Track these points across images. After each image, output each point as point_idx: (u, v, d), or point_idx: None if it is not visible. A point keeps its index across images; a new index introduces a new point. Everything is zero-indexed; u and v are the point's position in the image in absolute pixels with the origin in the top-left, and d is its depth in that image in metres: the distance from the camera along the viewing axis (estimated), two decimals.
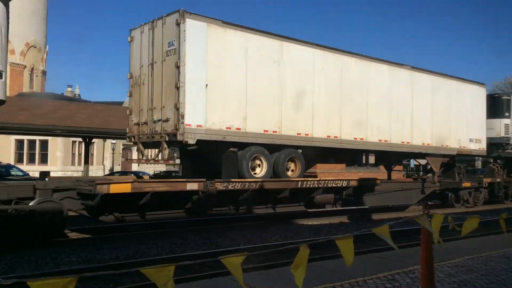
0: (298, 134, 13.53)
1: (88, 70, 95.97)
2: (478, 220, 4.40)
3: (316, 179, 13.96)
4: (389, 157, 17.77)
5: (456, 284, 5.81)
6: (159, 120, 12.08)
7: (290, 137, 13.34)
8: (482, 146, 19.51)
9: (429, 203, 19.13)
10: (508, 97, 21.76)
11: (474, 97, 19.20)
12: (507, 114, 21.25)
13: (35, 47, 43.48)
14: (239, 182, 12.31)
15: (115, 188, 10.51)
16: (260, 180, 12.67)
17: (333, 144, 14.34)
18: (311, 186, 13.69)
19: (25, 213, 9.95)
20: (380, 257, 7.52)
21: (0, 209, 9.72)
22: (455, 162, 19.30)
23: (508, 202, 21.51)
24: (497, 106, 21.07)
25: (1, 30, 9.94)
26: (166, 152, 11.97)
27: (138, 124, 12.84)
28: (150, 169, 46.19)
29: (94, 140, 34.30)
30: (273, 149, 13.30)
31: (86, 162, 27.37)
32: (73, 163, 39.68)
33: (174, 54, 11.69)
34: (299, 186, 13.41)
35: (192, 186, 11.61)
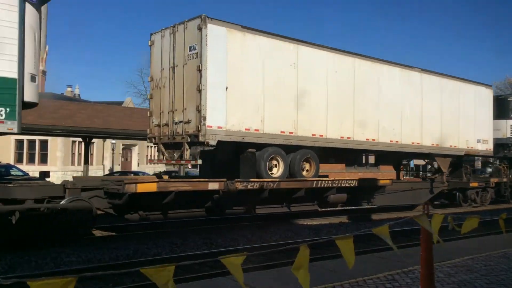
0: (313, 135, 14.30)
1: (88, 70, 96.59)
2: (478, 220, 4.50)
3: (331, 179, 14.72)
4: (398, 158, 18.60)
5: (456, 284, 5.93)
6: (180, 122, 12.80)
7: (305, 138, 14.10)
8: (489, 146, 20.40)
9: (436, 202, 20.07)
10: None
11: (481, 99, 20.09)
12: None
13: None
14: (257, 182, 13.05)
15: (142, 187, 11.23)
16: (277, 180, 13.44)
17: (346, 145, 15.14)
18: (326, 185, 14.47)
19: (57, 211, 10.67)
20: (380, 257, 7.67)
21: (34, 207, 10.44)
22: (462, 162, 20.15)
23: None
24: (503, 108, 21.97)
25: (34, 34, 10.66)
26: (188, 152, 12.70)
27: (159, 125, 13.56)
28: (150, 169, 46.90)
29: (94, 140, 34.89)
30: (289, 149, 14.07)
31: (86, 162, 27.94)
32: (73, 163, 40.23)
33: (195, 58, 12.42)
34: (314, 185, 14.18)
35: (213, 185, 12.35)
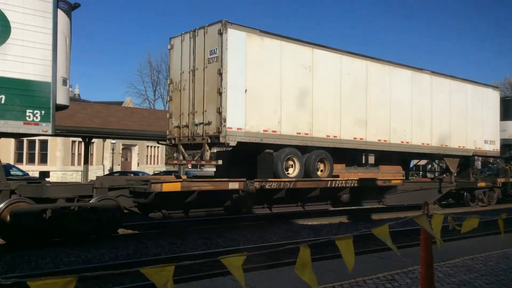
0: (327, 136, 15.11)
1: (88, 70, 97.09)
2: (478, 220, 4.58)
3: (344, 178, 15.53)
4: (408, 158, 19.46)
5: (455, 284, 6.07)
6: (200, 123, 13.57)
7: (320, 139, 14.91)
8: (496, 147, 21.32)
9: (443, 202, 20.97)
10: None
11: (489, 100, 21.03)
12: None
13: None
14: (275, 181, 13.85)
15: (167, 187, 12.01)
16: (294, 179, 14.24)
17: (359, 145, 15.97)
18: (340, 185, 15.29)
19: (87, 210, 11.43)
20: (380, 257, 7.81)
21: (65, 206, 11.18)
22: (470, 162, 21.06)
23: None
24: (509, 109, 22.92)
25: (66, 40, 11.42)
26: (208, 153, 13.47)
27: (178, 127, 14.32)
28: (150, 169, 47.70)
29: (93, 140, 35.57)
30: (304, 150, 14.87)
31: (86, 162, 28.56)
32: (72, 163, 40.87)
33: (216, 61, 13.19)
34: (328, 185, 15.00)
35: (233, 185, 13.14)
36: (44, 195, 11.00)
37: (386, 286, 5.93)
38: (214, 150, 16.14)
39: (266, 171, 14.15)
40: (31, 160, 38.80)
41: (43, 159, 39.15)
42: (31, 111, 10.44)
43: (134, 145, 48.63)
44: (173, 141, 14.66)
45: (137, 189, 12.10)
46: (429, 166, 33.65)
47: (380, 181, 16.43)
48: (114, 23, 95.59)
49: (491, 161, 24.46)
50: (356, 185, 15.74)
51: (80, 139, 34.70)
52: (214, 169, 55.50)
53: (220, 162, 13.34)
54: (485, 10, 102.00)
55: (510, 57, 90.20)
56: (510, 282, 6.25)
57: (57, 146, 38.86)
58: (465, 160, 20.71)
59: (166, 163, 55.72)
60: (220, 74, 12.97)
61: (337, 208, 17.40)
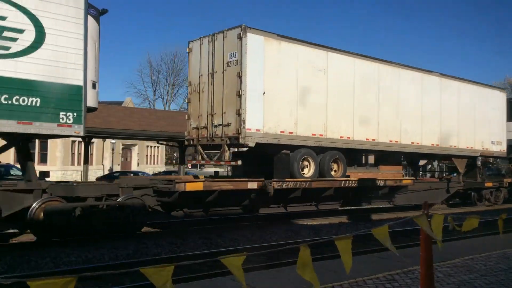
0: (341, 137, 15.96)
1: None
2: (478, 220, 4.66)
3: (356, 178, 16.39)
4: (417, 158, 20.38)
5: (455, 285, 6.21)
6: (219, 125, 14.37)
7: (334, 140, 15.76)
8: (503, 148, 22.30)
9: (450, 202, 21.90)
10: None
11: (495, 102, 22.03)
12: None
13: None
14: (292, 181, 14.69)
15: (190, 186, 12.81)
16: (309, 179, 15.09)
17: (371, 146, 16.85)
18: (353, 185, 16.15)
19: (115, 208, 12.21)
20: (379, 257, 7.97)
21: (95, 204, 11.97)
22: (477, 163, 21.99)
23: None
24: None
25: (95, 45, 12.20)
26: (227, 154, 14.28)
27: (197, 128, 15.12)
28: (149, 169, 48.44)
29: (93, 140, 36.26)
30: (319, 151, 15.71)
31: (86, 162, 29.23)
32: (72, 163, 41.53)
33: (235, 64, 14.00)
34: (342, 185, 15.86)
35: (252, 185, 13.96)
36: (75, 194, 11.77)
37: (386, 286, 6.08)
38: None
39: (282, 171, 14.96)
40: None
41: (43, 159, 39.74)
42: (64, 113, 11.22)
43: (134, 145, 49.33)
44: (191, 142, 15.44)
45: (161, 188, 12.89)
46: (429, 166, 34.55)
47: (391, 181, 17.30)
48: (114, 23, 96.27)
49: (491, 161, 25.40)
50: (369, 185, 16.60)
51: (80, 139, 35.29)
52: (214, 169, 55.96)
53: (239, 162, 14.14)
54: (485, 10, 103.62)
55: (510, 57, 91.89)
56: (510, 282, 6.40)
57: (57, 146, 39.49)
58: (472, 161, 21.64)
59: (166, 163, 56.34)
60: (240, 77, 13.77)
61: (337, 208, 17.89)
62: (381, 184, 17.05)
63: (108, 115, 34.83)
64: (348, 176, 16.38)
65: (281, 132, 14.51)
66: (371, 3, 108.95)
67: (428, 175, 30.60)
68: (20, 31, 10.67)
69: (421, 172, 29.44)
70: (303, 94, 15.04)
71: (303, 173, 15.31)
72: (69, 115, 11.31)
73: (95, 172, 41.60)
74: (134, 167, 49.29)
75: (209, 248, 11.36)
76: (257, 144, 14.06)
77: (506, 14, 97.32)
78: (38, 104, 10.89)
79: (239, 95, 13.76)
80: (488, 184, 21.91)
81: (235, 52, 14.01)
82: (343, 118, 16.05)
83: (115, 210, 12.16)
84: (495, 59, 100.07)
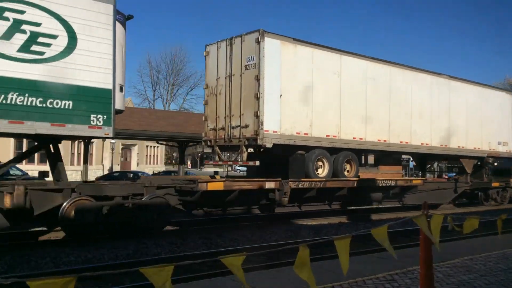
0: (353, 138, 16.86)
1: None
2: (478, 220, 4.68)
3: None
4: (426, 159, 21.32)
5: (455, 285, 6.31)
6: (237, 126, 15.21)
7: (347, 141, 16.66)
8: (509, 148, 23.33)
9: (457, 202, 22.87)
10: None
11: (502, 103, 23.06)
12: None
13: None
14: (307, 181, 15.58)
15: (211, 186, 13.66)
16: (324, 179, 15.98)
17: (383, 147, 17.75)
18: (365, 185, 17.06)
19: (140, 207, 13.03)
20: (379, 257, 8.07)
21: (122, 203, 12.78)
22: (483, 163, 23.02)
23: None
24: None
25: (122, 49, 13.03)
26: (245, 154, 15.13)
27: (214, 129, 15.96)
28: (149, 169, 49.21)
29: (93, 140, 36.98)
30: (333, 151, 16.60)
31: (86, 161, 29.97)
32: (72, 163, 42.17)
33: (253, 68, 14.85)
34: (355, 185, 16.75)
35: (270, 185, 14.83)
36: (104, 193, 12.58)
37: (386, 286, 6.18)
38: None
39: (298, 172, 15.83)
40: (30, 159, 39.88)
41: (43, 159, 40.20)
42: (95, 116, 12.03)
43: (134, 145, 50.05)
44: (209, 143, 16.28)
45: (184, 188, 13.72)
46: (428, 166, 35.57)
47: (402, 181, 18.23)
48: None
49: (490, 161, 26.48)
50: (380, 185, 17.51)
51: (79, 139, 35.89)
52: (214, 169, 56.72)
53: (257, 163, 14.98)
54: (485, 10, 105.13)
55: (510, 57, 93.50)
56: (509, 282, 6.51)
57: None
58: (479, 161, 22.63)
59: (166, 163, 57.05)
60: (258, 80, 14.62)
61: (336, 208, 18.64)
62: (392, 184, 17.95)
63: None
64: (359, 177, 17.30)
65: (296, 133, 15.37)
66: (371, 3, 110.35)
67: (428, 175, 31.56)
68: (54, 36, 11.46)
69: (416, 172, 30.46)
70: (318, 96, 15.90)
71: (318, 173, 16.18)
72: (100, 118, 12.12)
73: (95, 172, 42.29)
74: (133, 167, 50.00)
75: (209, 248, 11.67)
76: (274, 145, 14.91)
77: (506, 14, 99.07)
78: (70, 107, 11.68)
79: (257, 98, 14.60)
80: (495, 184, 22.93)
81: (253, 56, 14.85)
82: (356, 120, 16.94)
83: (140, 209, 12.97)
84: (495, 59, 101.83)
